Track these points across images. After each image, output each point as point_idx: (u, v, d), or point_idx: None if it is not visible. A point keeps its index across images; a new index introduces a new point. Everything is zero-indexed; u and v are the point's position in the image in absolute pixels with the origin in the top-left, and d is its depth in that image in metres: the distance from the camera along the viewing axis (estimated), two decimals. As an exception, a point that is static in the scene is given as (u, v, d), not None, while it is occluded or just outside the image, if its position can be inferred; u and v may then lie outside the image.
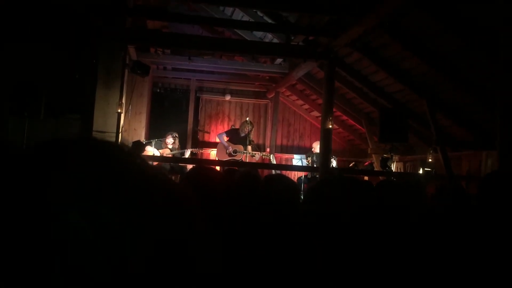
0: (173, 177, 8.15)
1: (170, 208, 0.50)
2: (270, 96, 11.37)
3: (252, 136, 9.33)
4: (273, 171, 9.01)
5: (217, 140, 9.73)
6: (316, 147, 9.26)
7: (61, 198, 0.42)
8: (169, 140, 8.75)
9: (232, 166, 8.61)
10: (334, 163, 9.02)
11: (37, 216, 0.41)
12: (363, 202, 1.76)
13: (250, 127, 9.11)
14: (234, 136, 9.35)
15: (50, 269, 0.40)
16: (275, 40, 8.94)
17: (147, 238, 0.45)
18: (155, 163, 8.22)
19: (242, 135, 9.18)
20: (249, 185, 2.35)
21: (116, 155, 0.51)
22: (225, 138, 9.39)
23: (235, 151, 9.15)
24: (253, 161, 9.08)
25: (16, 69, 6.91)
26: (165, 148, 8.74)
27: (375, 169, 9.23)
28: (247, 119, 9.38)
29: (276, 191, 2.25)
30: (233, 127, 10.64)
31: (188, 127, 10.73)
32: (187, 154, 8.95)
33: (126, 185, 0.47)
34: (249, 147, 9.08)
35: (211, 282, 0.51)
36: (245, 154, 9.05)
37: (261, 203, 2.15)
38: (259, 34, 9.44)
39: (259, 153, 9.27)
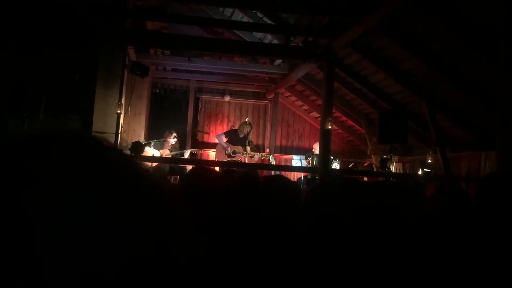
0: (172, 178, 8.16)
1: (155, 208, 0.49)
2: (269, 97, 11.37)
3: (251, 137, 9.34)
4: (273, 172, 9.01)
5: (216, 141, 9.74)
6: (317, 148, 9.26)
7: (44, 198, 0.42)
8: (172, 140, 8.74)
9: (231, 167, 8.62)
10: (337, 166, 9.05)
11: (20, 217, 0.40)
12: (362, 203, 1.76)
13: (249, 128, 9.12)
14: (233, 137, 9.36)
15: (44, 268, 0.40)
16: (275, 41, 8.95)
17: (132, 237, 0.44)
18: (154, 164, 8.23)
19: (241, 136, 9.20)
20: (248, 186, 2.35)
21: (103, 151, 0.50)
22: (224, 139, 9.41)
23: (234, 152, 9.16)
24: (252, 161, 9.09)
25: (16, 69, 6.91)
26: (166, 148, 8.73)
27: (375, 170, 9.23)
28: (246, 119, 9.39)
29: (276, 191, 2.25)
30: (232, 128, 10.64)
31: (188, 128, 10.72)
32: (187, 154, 8.95)
33: (111, 183, 0.47)
34: (248, 148, 9.09)
35: (201, 282, 0.51)
36: (244, 155, 9.06)
37: (261, 203, 2.15)
38: (258, 35, 9.44)
39: (258, 153, 9.27)
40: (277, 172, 9.08)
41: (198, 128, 11.29)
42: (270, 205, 2.15)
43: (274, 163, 9.90)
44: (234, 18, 9.16)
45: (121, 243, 0.44)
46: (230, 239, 1.81)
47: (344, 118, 10.65)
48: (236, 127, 9.98)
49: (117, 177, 0.48)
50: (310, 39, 7.82)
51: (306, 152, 10.57)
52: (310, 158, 9.19)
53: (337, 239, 1.69)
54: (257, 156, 9.15)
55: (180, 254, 0.50)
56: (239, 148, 9.19)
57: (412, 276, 1.68)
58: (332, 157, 9.20)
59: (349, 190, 1.79)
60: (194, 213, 1.94)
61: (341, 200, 1.72)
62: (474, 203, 2.56)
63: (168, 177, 7.85)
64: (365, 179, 8.78)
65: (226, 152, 9.23)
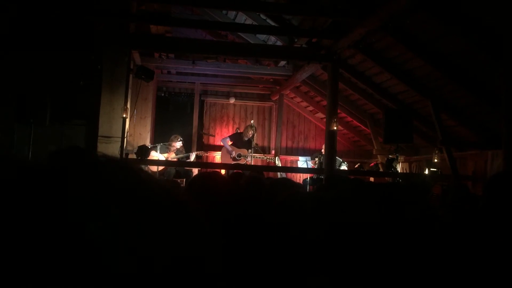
0: (178, 181, 8.18)
1: (177, 216, 0.52)
2: (274, 99, 11.38)
3: (256, 140, 9.36)
4: (279, 174, 9.03)
5: (221, 144, 9.78)
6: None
7: (78, 209, 0.45)
8: (178, 144, 8.77)
9: (237, 169, 8.65)
10: (345, 167, 9.06)
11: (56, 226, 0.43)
12: (368, 205, 1.75)
13: (252, 131, 9.16)
14: (238, 140, 9.40)
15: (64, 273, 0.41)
16: (279, 43, 8.95)
17: (157, 246, 0.47)
18: (160, 168, 8.26)
19: (246, 139, 9.24)
20: (254, 190, 2.35)
21: (122, 170, 0.53)
22: (229, 142, 9.44)
23: (239, 155, 9.20)
24: (245, 162, 9.13)
25: (21, 76, 6.96)
26: (172, 151, 8.75)
27: (381, 170, 9.22)
28: (252, 122, 9.42)
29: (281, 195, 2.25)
30: (237, 130, 10.66)
31: (193, 131, 10.74)
32: (192, 157, 8.97)
33: (135, 198, 0.49)
34: (248, 151, 9.17)
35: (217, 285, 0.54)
36: (250, 158, 9.09)
37: (265, 207, 2.15)
38: (262, 36, 9.45)
39: (251, 155, 9.27)
40: (283, 175, 9.09)
41: (203, 131, 11.31)
42: (274, 208, 2.15)
43: (280, 165, 9.91)
44: (237, 20, 9.17)
45: (141, 251, 0.47)
46: (234, 243, 1.81)
47: (349, 119, 10.64)
48: (241, 130, 10.01)
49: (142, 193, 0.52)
50: (313, 40, 7.82)
51: (311, 153, 10.56)
52: (317, 159, 9.19)
53: (343, 242, 1.69)
54: (250, 158, 9.15)
55: (204, 256, 0.53)
56: (244, 151, 9.21)
57: (417, 279, 1.68)
58: (340, 160, 9.21)
59: (356, 192, 1.78)
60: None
61: (348, 203, 1.71)
62: (480, 203, 2.55)
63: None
64: (372, 179, 8.77)
65: (231, 155, 9.26)
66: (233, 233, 1.88)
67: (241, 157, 9.18)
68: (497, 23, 4.92)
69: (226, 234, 1.90)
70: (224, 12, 9.14)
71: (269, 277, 1.63)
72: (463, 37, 5.56)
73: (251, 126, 9.25)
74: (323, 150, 9.41)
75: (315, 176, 8.86)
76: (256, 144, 9.31)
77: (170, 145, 8.77)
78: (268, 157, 10.06)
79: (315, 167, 9.10)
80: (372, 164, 10.18)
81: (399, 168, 8.15)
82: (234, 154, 9.24)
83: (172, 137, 8.84)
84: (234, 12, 9.04)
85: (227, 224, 1.96)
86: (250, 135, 9.17)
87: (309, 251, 1.74)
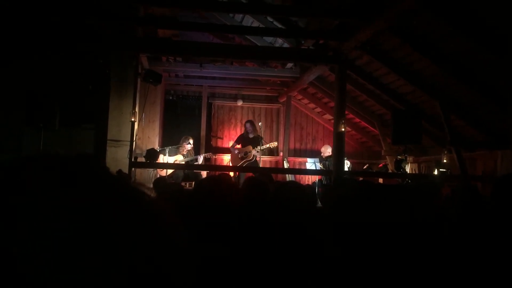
0: (187, 184, 8.21)
1: (146, 227, 0.50)
2: (282, 100, 11.37)
3: (259, 132, 9.41)
4: (287, 177, 9.02)
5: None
6: (325, 151, 9.24)
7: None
8: (188, 145, 8.81)
9: (245, 170, 8.67)
10: (346, 167, 9.01)
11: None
12: (378, 207, 1.75)
13: (248, 124, 9.36)
14: (244, 140, 9.49)
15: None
16: (286, 45, 8.95)
17: (124, 256, 0.46)
18: (170, 171, 8.29)
19: (251, 136, 9.32)
20: (259, 192, 2.36)
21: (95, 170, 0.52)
22: (238, 146, 9.53)
23: (245, 153, 9.24)
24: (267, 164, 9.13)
25: (30, 80, 7.01)
26: (181, 153, 8.78)
27: (389, 171, 9.17)
28: (260, 123, 9.46)
29: (287, 197, 2.25)
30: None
31: (201, 133, 10.77)
32: (200, 160, 8.97)
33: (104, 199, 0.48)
34: (250, 147, 9.24)
35: None
36: (258, 153, 9.10)
37: (271, 210, 2.15)
38: (269, 39, 9.46)
39: (255, 149, 9.27)
40: (291, 177, 9.08)
41: (211, 133, 11.34)
42: (281, 211, 2.16)
43: (288, 167, 9.90)
44: (244, 22, 9.19)
45: (116, 257, 0.45)
46: (240, 246, 1.82)
47: (357, 120, 10.60)
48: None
49: (109, 195, 0.50)
50: (320, 41, 7.80)
51: (320, 154, 10.54)
52: (323, 164, 9.15)
53: (351, 244, 1.69)
54: (255, 152, 9.16)
55: (173, 271, 0.51)
56: (249, 148, 9.27)
57: (424, 279, 1.67)
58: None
59: (365, 195, 1.78)
60: (204, 221, 1.95)
61: (357, 206, 1.71)
62: (489, 205, 2.53)
63: (183, 184, 7.91)
64: (381, 180, 8.73)
65: (239, 156, 9.31)
66: (238, 236, 1.89)
67: (248, 153, 9.22)
68: (501, 23, 4.89)
69: (231, 237, 1.91)
70: (231, 15, 9.16)
71: (272, 279, 1.63)
72: (470, 37, 5.53)
73: (246, 121, 9.40)
74: (322, 154, 9.39)
75: (324, 181, 8.83)
76: (259, 135, 9.28)
77: (180, 146, 8.82)
78: (272, 145, 9.72)
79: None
80: (380, 165, 10.13)
81: (408, 169, 8.11)
82: (241, 154, 9.30)
83: (183, 138, 8.89)
84: (241, 15, 9.06)
85: (232, 227, 1.97)
86: (249, 130, 9.31)
87: (312, 253, 1.74)
